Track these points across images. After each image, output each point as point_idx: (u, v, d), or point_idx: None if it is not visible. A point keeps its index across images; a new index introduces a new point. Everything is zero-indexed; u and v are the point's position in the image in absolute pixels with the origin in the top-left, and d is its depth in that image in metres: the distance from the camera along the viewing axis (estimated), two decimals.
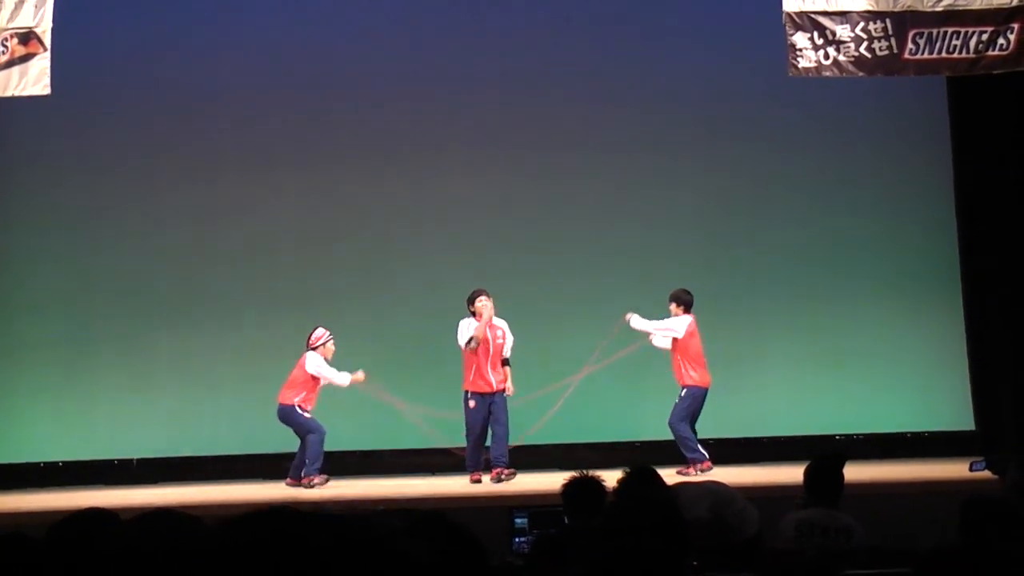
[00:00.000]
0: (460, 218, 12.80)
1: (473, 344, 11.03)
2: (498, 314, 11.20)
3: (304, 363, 11.33)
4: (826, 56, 10.76)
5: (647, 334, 11.33)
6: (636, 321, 11.29)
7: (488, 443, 11.08)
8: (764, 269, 12.63)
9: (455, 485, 10.68)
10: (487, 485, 10.64)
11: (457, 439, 11.35)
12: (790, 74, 10.85)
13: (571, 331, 12.29)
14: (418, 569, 0.99)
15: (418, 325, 12.43)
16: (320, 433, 11.13)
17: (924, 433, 12.62)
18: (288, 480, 11.12)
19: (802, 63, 10.74)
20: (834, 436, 12.32)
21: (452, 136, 12.92)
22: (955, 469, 10.41)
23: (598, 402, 12.31)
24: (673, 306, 11.32)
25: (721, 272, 12.48)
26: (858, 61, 10.77)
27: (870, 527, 6.37)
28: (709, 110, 12.90)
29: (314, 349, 11.38)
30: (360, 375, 11.44)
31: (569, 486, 6.14)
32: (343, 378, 11.36)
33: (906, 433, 12.66)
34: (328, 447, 11.90)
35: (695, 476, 10.43)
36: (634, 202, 12.78)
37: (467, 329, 11.12)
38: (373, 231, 12.82)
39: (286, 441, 12.29)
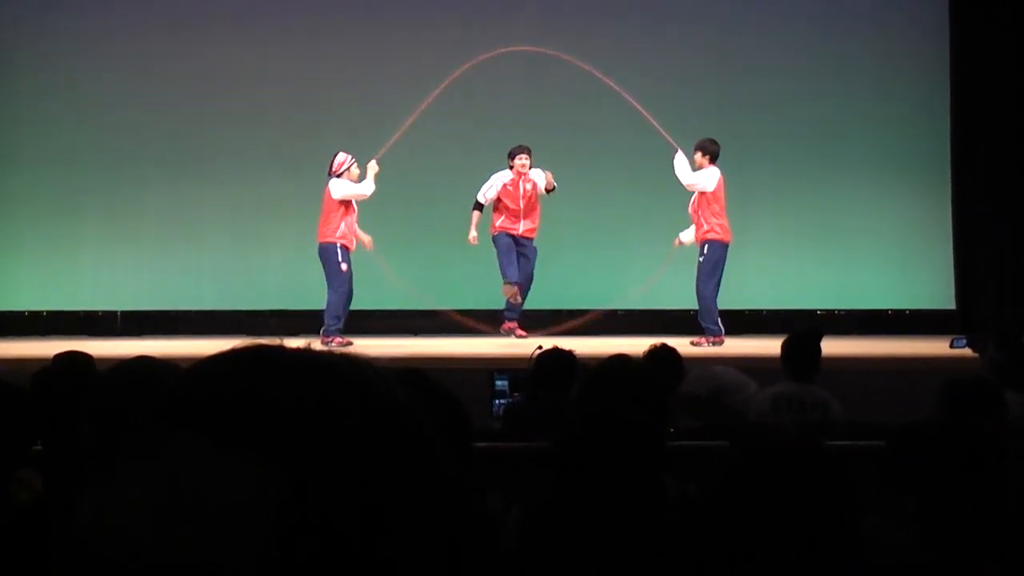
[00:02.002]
0: (455, 80, 12.65)
1: (480, 207, 11.08)
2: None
3: (329, 192, 10.84)
4: None
5: (680, 178, 10.99)
6: (680, 161, 10.93)
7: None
8: (752, 145, 12.55)
9: (436, 346, 10.75)
10: (467, 346, 10.71)
11: (447, 303, 11.47)
12: None
13: (561, 198, 12.26)
14: (410, 415, 0.98)
15: (408, 185, 12.37)
16: (341, 294, 10.76)
17: (905, 311, 12.71)
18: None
19: None
20: (815, 311, 12.38)
21: (441, 6, 12.77)
22: (934, 346, 10.53)
23: (581, 269, 12.33)
24: (699, 155, 10.86)
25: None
26: None
27: (848, 402, 6.44)
28: None
29: (338, 176, 10.89)
30: (369, 241, 11.07)
31: (541, 358, 6.18)
32: (367, 186, 10.81)
33: (887, 310, 12.75)
34: (307, 306, 11.91)
35: (706, 348, 10.46)
36: (621, 79, 12.64)
37: (494, 183, 11.08)
38: (365, 91, 12.70)
39: (269, 298, 12.34)
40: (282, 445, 0.89)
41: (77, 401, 2.59)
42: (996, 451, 2.75)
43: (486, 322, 11.43)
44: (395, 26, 12.75)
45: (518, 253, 11.14)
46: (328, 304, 10.84)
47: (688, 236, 11.05)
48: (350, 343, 10.72)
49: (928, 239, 12.73)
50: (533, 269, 11.18)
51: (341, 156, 10.94)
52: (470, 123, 12.47)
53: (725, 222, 10.85)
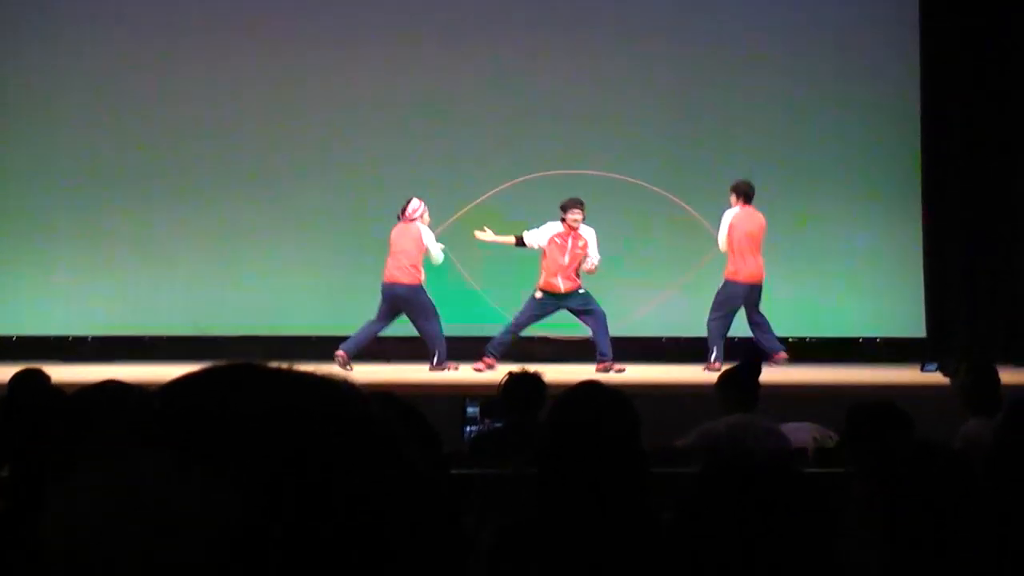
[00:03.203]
0: (430, 104, 12.68)
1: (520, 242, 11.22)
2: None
3: (418, 237, 11.11)
4: None
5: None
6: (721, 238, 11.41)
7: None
8: (723, 167, 12.58)
9: (409, 372, 10.73)
10: (439, 373, 10.73)
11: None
12: None
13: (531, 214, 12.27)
14: (388, 434, 0.97)
15: (377, 207, 12.39)
16: (439, 322, 11.10)
17: (876, 339, 12.73)
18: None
19: None
20: (786, 339, 12.38)
21: (423, 22, 12.78)
22: (904, 374, 10.59)
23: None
24: (733, 197, 11.36)
25: (681, 169, 12.48)
26: None
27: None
28: (677, 5, 12.84)
29: (412, 221, 11.18)
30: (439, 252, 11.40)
31: (508, 382, 6.19)
32: (440, 255, 11.29)
33: (858, 338, 12.77)
34: (283, 331, 11.92)
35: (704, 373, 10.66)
36: (598, 102, 12.69)
37: (544, 232, 11.16)
38: (338, 112, 12.69)
39: (243, 324, 12.25)
40: (249, 462, 0.88)
41: (37, 421, 2.57)
42: (960, 475, 2.76)
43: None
44: (373, 46, 12.75)
45: (572, 311, 11.19)
46: (432, 336, 11.09)
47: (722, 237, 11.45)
48: (457, 367, 10.97)
49: (900, 267, 12.79)
50: (595, 306, 11.18)
51: (415, 202, 11.21)
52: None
53: (743, 261, 11.21)
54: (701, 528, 2.26)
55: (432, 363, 11.04)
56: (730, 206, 11.38)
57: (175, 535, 0.85)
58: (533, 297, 11.21)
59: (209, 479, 0.87)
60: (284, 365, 1.01)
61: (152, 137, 12.58)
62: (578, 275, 11.23)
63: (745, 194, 11.30)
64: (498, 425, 6.33)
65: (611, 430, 3.12)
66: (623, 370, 10.88)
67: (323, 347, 11.27)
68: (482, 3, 12.85)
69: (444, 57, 12.75)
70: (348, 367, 10.75)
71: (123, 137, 12.56)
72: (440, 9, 12.80)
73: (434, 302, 11.15)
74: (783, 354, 11.13)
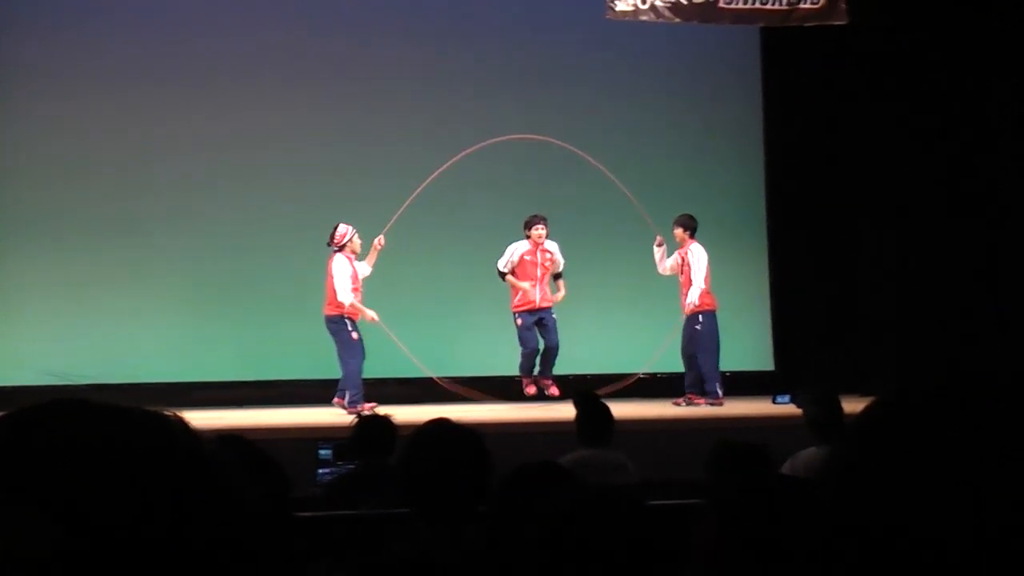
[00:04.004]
0: (289, 145, 12.62)
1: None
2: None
3: (329, 267, 10.80)
4: (643, 1, 10.88)
5: (657, 264, 11.73)
6: (657, 253, 11.64)
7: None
8: (576, 207, 12.74)
9: (261, 417, 10.60)
10: (293, 416, 10.61)
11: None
12: (607, 16, 10.96)
13: (403, 269, 12.24)
14: (223, 480, 0.97)
15: (242, 253, 12.27)
16: (358, 362, 10.74)
17: (726, 372, 12.95)
18: (336, 399, 10.86)
19: (619, 6, 10.85)
20: (635, 375, 12.50)
21: (286, 60, 12.77)
22: (754, 406, 10.85)
23: (410, 339, 12.31)
24: (679, 231, 11.55)
25: (535, 208, 12.57)
26: (675, 7, 10.92)
27: (669, 462, 6.58)
28: (526, 50, 12.99)
29: (340, 248, 10.83)
30: (375, 316, 10.92)
31: (360, 424, 6.25)
32: (346, 296, 10.67)
33: None
34: (138, 379, 11.70)
35: (702, 409, 11.01)
36: (451, 138, 12.73)
37: (512, 254, 11.28)
38: (196, 157, 12.53)
39: (97, 372, 11.95)
40: (70, 495, 0.87)
41: None
42: (806, 507, 2.81)
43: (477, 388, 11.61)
44: (232, 85, 12.65)
45: (539, 324, 11.27)
46: (347, 374, 10.78)
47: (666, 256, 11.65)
48: (375, 405, 10.43)
49: (747, 302, 13.04)
50: (557, 338, 11.31)
51: (342, 228, 10.90)
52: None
53: (709, 293, 11.45)
54: (551, 563, 2.27)
55: (342, 402, 10.73)
56: (677, 243, 11.58)
57: None
58: (516, 324, 11.31)
59: (29, 512, 0.86)
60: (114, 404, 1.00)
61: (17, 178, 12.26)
62: (556, 279, 11.41)
63: (693, 228, 11.55)
64: (351, 467, 6.33)
65: (462, 466, 3.13)
66: (557, 395, 10.96)
67: (176, 394, 11.10)
68: (337, 62, 12.82)
69: (303, 96, 12.71)
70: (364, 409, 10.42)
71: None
72: (295, 48, 12.74)
73: (360, 339, 10.85)
74: (721, 401, 11.33)
